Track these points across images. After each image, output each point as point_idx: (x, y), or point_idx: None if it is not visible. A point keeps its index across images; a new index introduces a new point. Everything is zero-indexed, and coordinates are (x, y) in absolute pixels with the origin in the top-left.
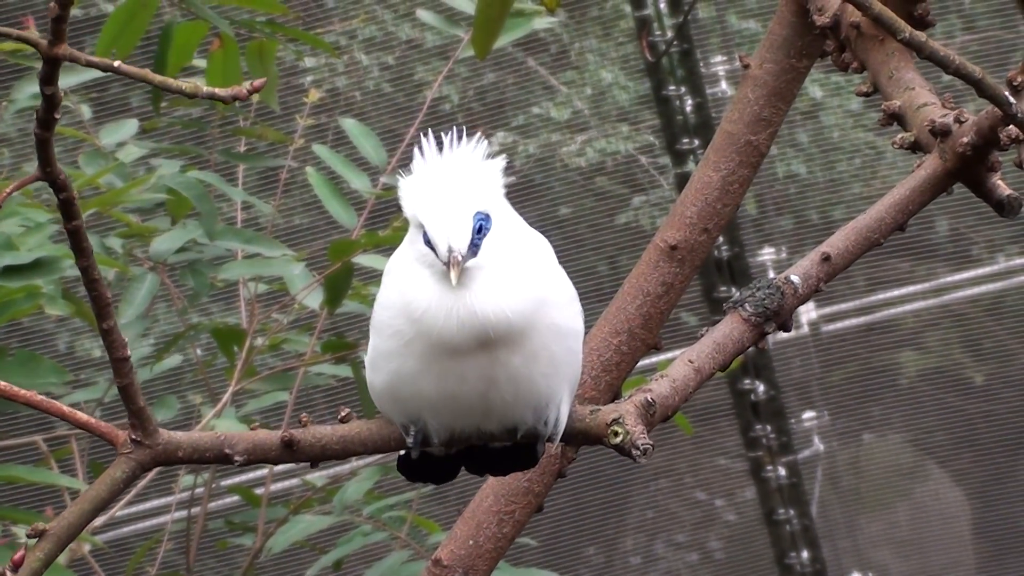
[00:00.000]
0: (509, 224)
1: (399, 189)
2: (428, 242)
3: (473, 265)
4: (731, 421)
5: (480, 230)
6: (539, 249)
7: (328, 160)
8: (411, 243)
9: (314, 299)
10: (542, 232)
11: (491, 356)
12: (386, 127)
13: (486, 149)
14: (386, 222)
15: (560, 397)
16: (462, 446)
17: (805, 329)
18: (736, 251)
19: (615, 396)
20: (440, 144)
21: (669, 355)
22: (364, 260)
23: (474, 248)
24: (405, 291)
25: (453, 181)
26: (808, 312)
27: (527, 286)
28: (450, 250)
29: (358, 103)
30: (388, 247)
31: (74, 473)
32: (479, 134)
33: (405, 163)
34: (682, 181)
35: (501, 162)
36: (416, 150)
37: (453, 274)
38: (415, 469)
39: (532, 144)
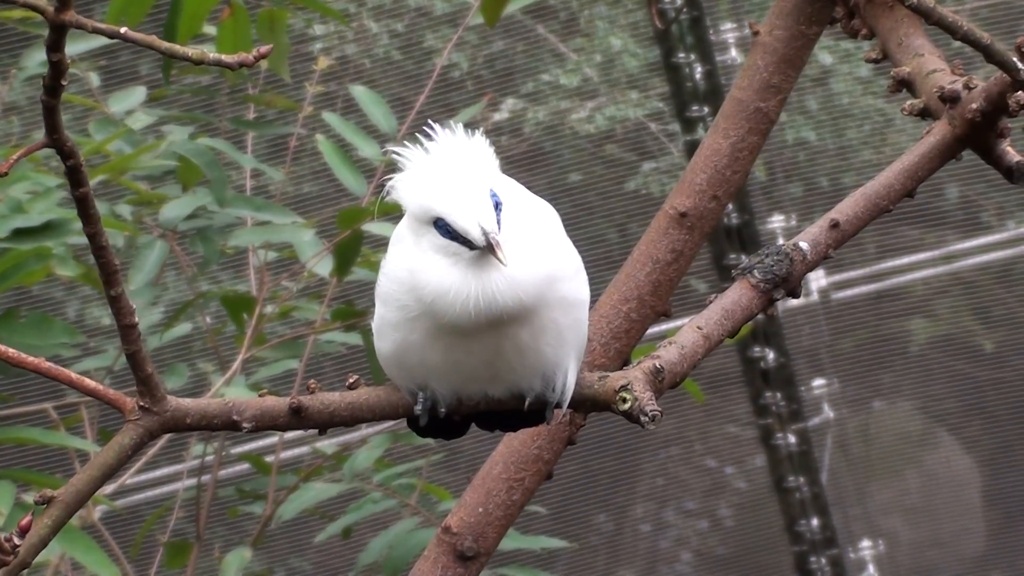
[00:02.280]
0: (514, 197)
1: (395, 188)
2: (449, 232)
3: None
4: (741, 388)
5: (497, 207)
6: (547, 220)
7: (337, 127)
8: (417, 236)
9: (324, 266)
10: (551, 199)
11: (499, 332)
12: (395, 94)
13: (465, 131)
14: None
15: (567, 365)
16: (470, 411)
17: (815, 296)
18: (745, 218)
19: (624, 363)
20: (427, 137)
21: (678, 322)
22: (373, 228)
23: (498, 225)
24: (416, 271)
25: (459, 165)
26: (818, 279)
27: (539, 264)
28: (485, 233)
29: (367, 70)
30: (397, 215)
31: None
32: (487, 98)
33: (415, 130)
34: (692, 148)
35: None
36: (403, 148)
37: (501, 254)
38: (425, 425)
39: (541, 111)
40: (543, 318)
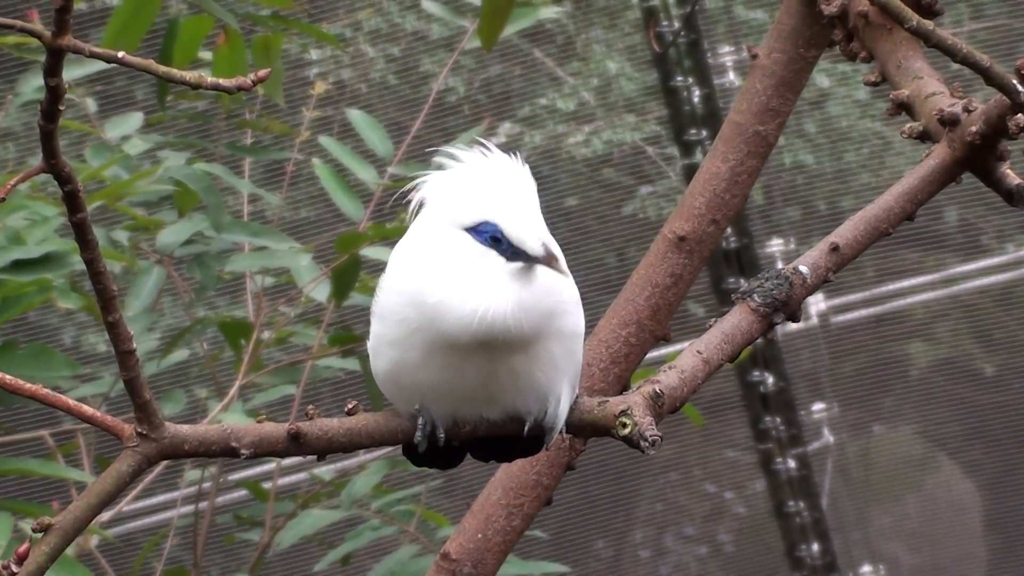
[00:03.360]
0: None
1: (434, 183)
2: (492, 240)
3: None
4: (740, 413)
5: None
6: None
7: (334, 152)
8: (440, 240)
9: (321, 292)
10: (548, 224)
11: (492, 355)
12: (392, 119)
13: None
14: (393, 214)
15: (559, 391)
16: (468, 438)
17: (814, 320)
18: (744, 242)
19: (624, 388)
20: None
21: (678, 346)
22: (371, 252)
23: None
24: (426, 275)
25: (518, 177)
26: (817, 303)
27: (545, 298)
28: (544, 244)
29: (364, 95)
30: (395, 239)
31: (81, 468)
32: (485, 124)
33: (412, 155)
34: (690, 172)
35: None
36: (455, 149)
37: (561, 266)
38: (420, 454)
39: (538, 135)
40: (537, 347)
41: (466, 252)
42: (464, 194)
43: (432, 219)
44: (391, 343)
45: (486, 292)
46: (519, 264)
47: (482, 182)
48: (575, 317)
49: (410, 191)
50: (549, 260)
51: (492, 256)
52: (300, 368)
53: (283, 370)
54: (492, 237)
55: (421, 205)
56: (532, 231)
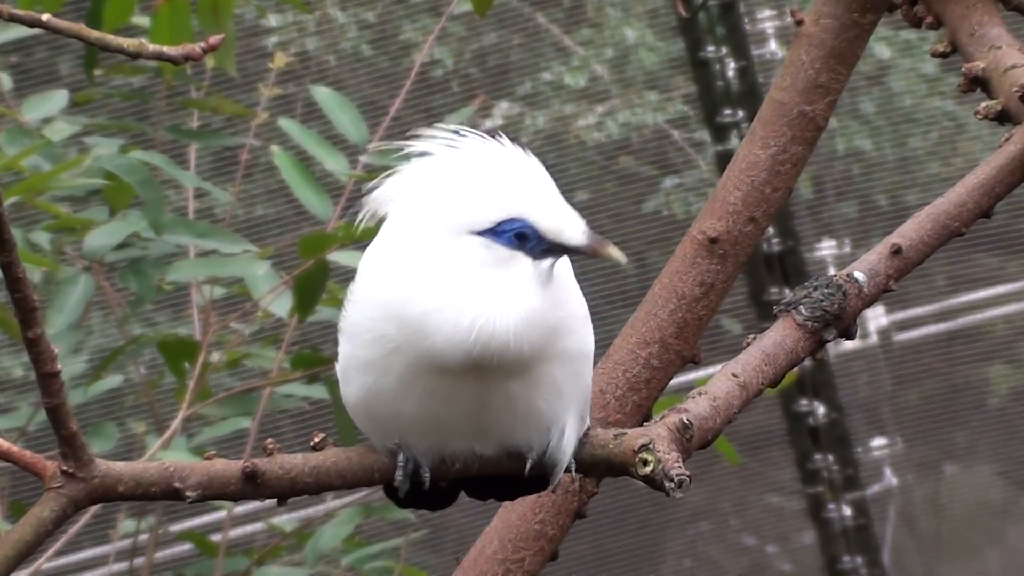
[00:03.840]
0: None
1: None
2: (516, 239)
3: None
4: (785, 450)
5: None
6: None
7: (297, 137)
8: (431, 249)
9: (281, 305)
10: None
11: (484, 380)
12: (366, 97)
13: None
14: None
15: (564, 421)
16: (458, 477)
17: (873, 338)
18: (789, 244)
19: (644, 418)
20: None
21: (709, 370)
22: (341, 257)
23: None
24: (411, 286)
25: (531, 164)
26: (877, 317)
27: (551, 313)
28: (586, 231)
29: (332, 69)
30: (369, 242)
31: None
32: (478, 102)
33: (390, 139)
34: (723, 160)
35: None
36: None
37: (614, 251)
38: (405, 494)
39: (541, 117)
40: (536, 371)
41: (482, 261)
42: (469, 192)
43: (416, 224)
44: (364, 366)
45: (494, 301)
46: (549, 262)
47: (491, 174)
48: (583, 336)
49: (372, 190)
50: (598, 247)
51: (519, 258)
52: (256, 396)
53: (236, 399)
54: (517, 235)
55: (386, 209)
56: (570, 217)
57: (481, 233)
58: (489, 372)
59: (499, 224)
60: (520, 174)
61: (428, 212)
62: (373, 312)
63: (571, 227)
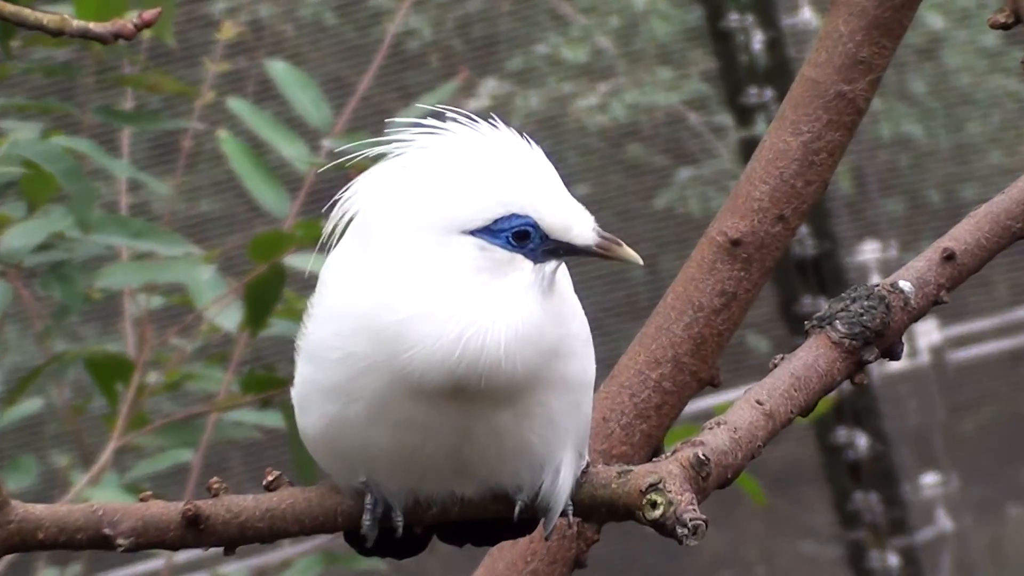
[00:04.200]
0: None
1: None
2: (514, 239)
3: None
4: (820, 488)
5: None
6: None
7: (249, 120)
8: (434, 256)
9: (230, 317)
10: None
11: (467, 408)
12: (330, 73)
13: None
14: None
15: (559, 458)
16: (435, 522)
17: (923, 357)
18: (825, 247)
19: (654, 452)
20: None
21: (730, 394)
22: (300, 261)
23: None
24: (390, 292)
25: (532, 153)
26: (927, 333)
27: (549, 330)
28: (597, 231)
29: (290, 40)
30: (335, 243)
31: None
32: (460, 78)
33: (359, 124)
34: (748, 149)
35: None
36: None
37: (628, 251)
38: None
39: (535, 97)
40: (528, 400)
41: (476, 265)
42: (460, 185)
43: (395, 222)
44: (327, 392)
45: (486, 311)
46: (552, 265)
47: (485, 163)
48: (584, 361)
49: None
50: (610, 247)
51: (518, 262)
52: (200, 425)
53: (176, 428)
54: (517, 233)
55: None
56: (578, 212)
57: (474, 232)
58: (475, 398)
59: (496, 221)
60: (519, 163)
61: (410, 209)
62: (340, 326)
63: (580, 224)
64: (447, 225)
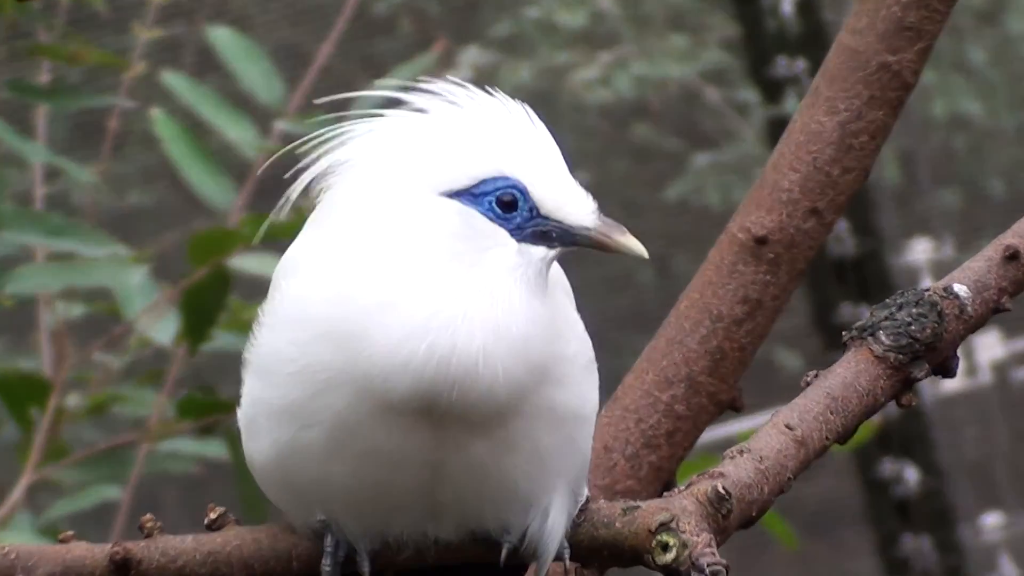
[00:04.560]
0: None
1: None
2: (517, 208)
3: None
4: (862, 529)
5: None
6: (555, 279)
7: (187, 97)
8: (406, 216)
9: (165, 329)
10: None
11: (439, 433)
12: (284, 42)
13: None
14: (287, 198)
15: (548, 500)
16: (407, 568)
17: (984, 375)
18: (867, 245)
19: (665, 486)
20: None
21: (755, 419)
22: (248, 263)
23: None
24: (354, 282)
25: (535, 125)
26: (989, 347)
27: (533, 334)
28: (596, 213)
29: (236, 2)
30: (287, 241)
31: None
32: (436, 48)
33: (318, 99)
34: (776, 130)
35: None
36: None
37: (632, 241)
38: None
39: (525, 67)
40: (512, 431)
41: (453, 232)
42: (446, 139)
43: (365, 196)
44: (279, 414)
45: (459, 296)
46: (541, 252)
47: (473, 122)
48: (582, 389)
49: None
50: (610, 235)
51: (500, 237)
52: (129, 456)
53: (101, 459)
54: (502, 200)
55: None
56: (577, 190)
57: (454, 195)
58: (448, 418)
59: (480, 183)
60: (514, 125)
61: (382, 167)
62: (296, 332)
63: (577, 202)
64: (424, 183)
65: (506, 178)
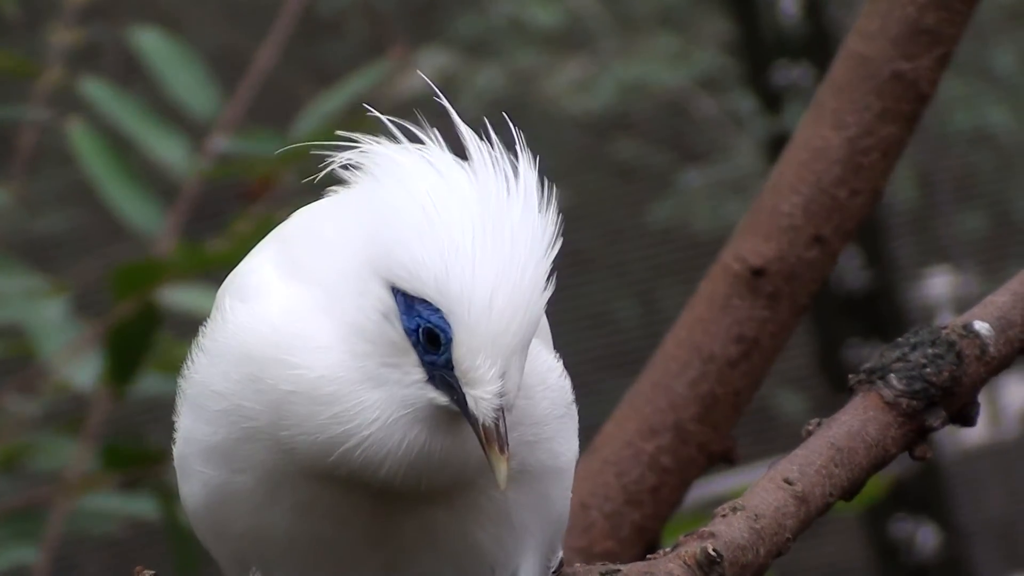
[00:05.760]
0: None
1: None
2: (440, 347)
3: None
4: None
5: None
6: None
7: (109, 108)
8: (364, 305)
9: (86, 370)
10: None
11: (387, 497)
12: (221, 45)
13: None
14: (220, 221)
15: (518, 562)
16: None
17: (1010, 424)
18: (879, 277)
19: (649, 547)
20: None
21: (750, 472)
22: (180, 297)
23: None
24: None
25: (526, 275)
26: (1015, 393)
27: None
28: (501, 410)
29: (166, 1)
30: (222, 271)
31: None
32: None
33: (259, 116)
34: (776, 145)
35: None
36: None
37: (499, 464)
38: None
39: (492, 72)
40: (473, 494)
41: (372, 322)
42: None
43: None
44: (208, 452)
45: (366, 390)
46: (439, 398)
47: (460, 223)
48: (556, 443)
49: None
50: (484, 439)
51: (410, 363)
52: (46, 514)
53: (14, 517)
54: (429, 333)
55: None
56: (496, 373)
57: (395, 291)
58: (397, 493)
59: (421, 300)
60: (496, 257)
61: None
62: (229, 368)
63: (486, 383)
64: (379, 260)
65: (442, 317)
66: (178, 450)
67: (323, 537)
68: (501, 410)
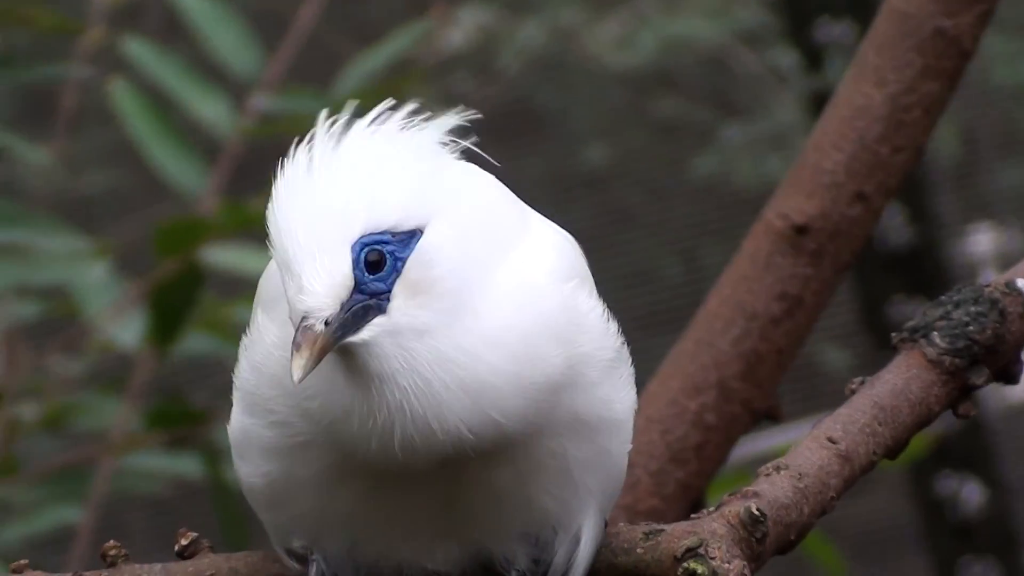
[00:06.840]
0: (477, 226)
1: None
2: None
3: (370, 339)
4: (917, 555)
5: (378, 264)
6: (549, 264)
7: (152, 68)
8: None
9: (129, 330)
10: (552, 198)
11: (457, 471)
12: (262, 3)
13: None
14: (262, 180)
15: (580, 521)
16: None
17: None
18: (922, 234)
19: (693, 506)
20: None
21: (794, 430)
22: (221, 255)
23: (358, 303)
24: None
25: (322, 185)
26: None
27: (528, 362)
28: (303, 317)
29: None
30: (264, 230)
31: None
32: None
33: (299, 73)
34: (818, 102)
35: (448, 119)
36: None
37: (295, 364)
38: None
39: (532, 28)
40: (538, 451)
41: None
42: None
43: None
44: (267, 451)
45: (357, 395)
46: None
47: (275, 212)
48: (603, 390)
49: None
50: (293, 347)
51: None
52: (91, 473)
53: (59, 476)
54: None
55: None
56: (292, 290)
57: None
58: (466, 460)
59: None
60: (290, 218)
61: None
62: (271, 385)
63: (295, 298)
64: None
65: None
66: (234, 436)
67: (388, 512)
68: (301, 324)
